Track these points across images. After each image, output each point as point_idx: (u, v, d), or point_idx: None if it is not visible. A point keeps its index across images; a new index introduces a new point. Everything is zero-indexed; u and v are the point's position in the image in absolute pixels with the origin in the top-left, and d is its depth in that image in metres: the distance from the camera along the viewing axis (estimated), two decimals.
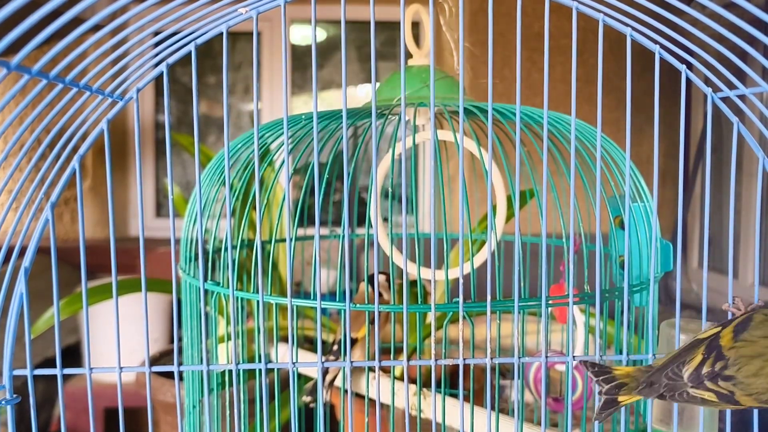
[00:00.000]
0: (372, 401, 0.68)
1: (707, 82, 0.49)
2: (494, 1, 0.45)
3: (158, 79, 0.48)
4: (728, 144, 0.48)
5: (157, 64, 0.48)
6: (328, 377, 0.73)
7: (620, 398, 0.44)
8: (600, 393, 0.45)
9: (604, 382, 0.45)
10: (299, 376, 0.84)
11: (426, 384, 0.73)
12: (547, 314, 0.50)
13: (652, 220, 0.51)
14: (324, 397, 0.73)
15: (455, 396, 0.74)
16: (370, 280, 0.71)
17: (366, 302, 0.64)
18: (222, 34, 0.46)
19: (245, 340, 0.72)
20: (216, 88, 2.33)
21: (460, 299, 0.49)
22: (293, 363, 0.48)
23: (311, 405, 0.74)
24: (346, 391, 0.68)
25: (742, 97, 0.48)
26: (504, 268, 0.53)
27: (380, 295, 0.74)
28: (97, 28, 0.40)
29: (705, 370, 0.43)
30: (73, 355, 1.70)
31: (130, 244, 1.95)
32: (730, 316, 0.48)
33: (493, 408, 0.55)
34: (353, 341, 0.73)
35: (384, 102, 0.64)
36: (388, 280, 0.75)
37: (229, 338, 0.73)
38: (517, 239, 0.48)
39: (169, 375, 1.02)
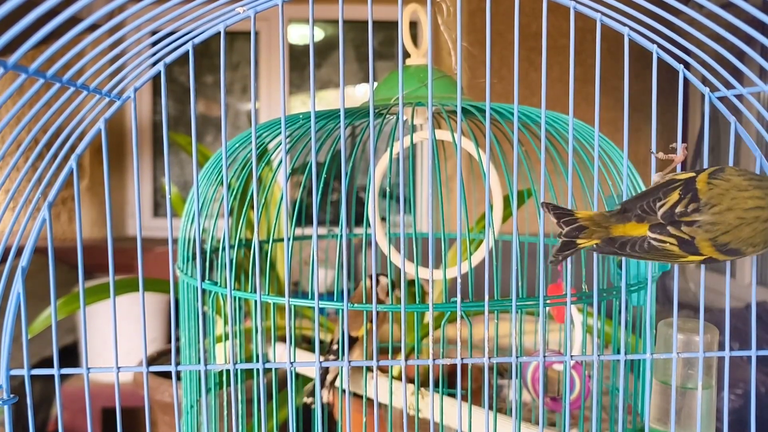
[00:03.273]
0: (370, 401, 0.68)
1: (705, 81, 0.49)
2: (492, 1, 0.45)
3: (156, 78, 0.48)
4: (726, 143, 0.48)
5: (154, 64, 0.48)
6: (329, 377, 0.73)
7: (579, 241, 0.43)
8: (559, 235, 0.43)
9: (566, 224, 0.43)
10: (298, 376, 0.84)
11: (424, 383, 0.73)
12: (544, 314, 0.50)
13: None
14: (326, 397, 0.72)
15: (453, 395, 0.74)
16: (376, 278, 0.70)
17: (364, 300, 0.64)
18: (219, 33, 0.46)
19: (243, 339, 0.71)
20: (214, 88, 2.32)
21: (458, 299, 0.49)
22: (291, 363, 0.48)
23: (312, 405, 0.74)
24: (344, 391, 0.68)
25: (739, 97, 0.48)
26: (502, 268, 0.53)
27: (377, 295, 0.74)
28: (94, 27, 0.40)
29: (679, 209, 0.42)
30: (70, 354, 1.69)
31: (128, 244, 1.94)
32: (653, 161, 0.48)
33: (491, 407, 0.55)
34: (353, 340, 0.73)
35: (382, 101, 0.64)
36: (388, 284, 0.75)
37: (226, 338, 0.73)
38: (515, 239, 0.48)
39: (166, 375, 1.02)
